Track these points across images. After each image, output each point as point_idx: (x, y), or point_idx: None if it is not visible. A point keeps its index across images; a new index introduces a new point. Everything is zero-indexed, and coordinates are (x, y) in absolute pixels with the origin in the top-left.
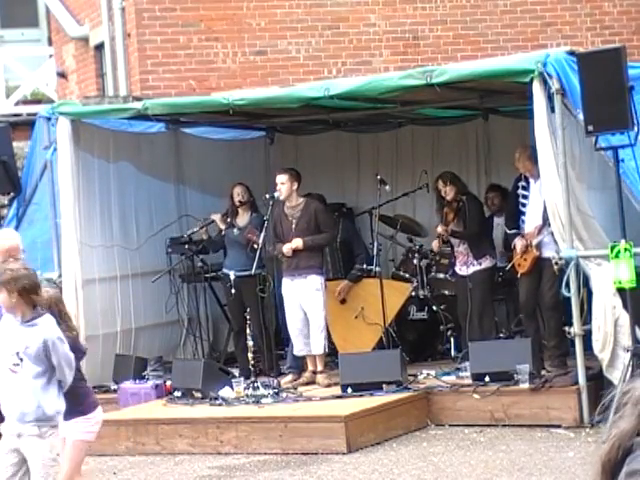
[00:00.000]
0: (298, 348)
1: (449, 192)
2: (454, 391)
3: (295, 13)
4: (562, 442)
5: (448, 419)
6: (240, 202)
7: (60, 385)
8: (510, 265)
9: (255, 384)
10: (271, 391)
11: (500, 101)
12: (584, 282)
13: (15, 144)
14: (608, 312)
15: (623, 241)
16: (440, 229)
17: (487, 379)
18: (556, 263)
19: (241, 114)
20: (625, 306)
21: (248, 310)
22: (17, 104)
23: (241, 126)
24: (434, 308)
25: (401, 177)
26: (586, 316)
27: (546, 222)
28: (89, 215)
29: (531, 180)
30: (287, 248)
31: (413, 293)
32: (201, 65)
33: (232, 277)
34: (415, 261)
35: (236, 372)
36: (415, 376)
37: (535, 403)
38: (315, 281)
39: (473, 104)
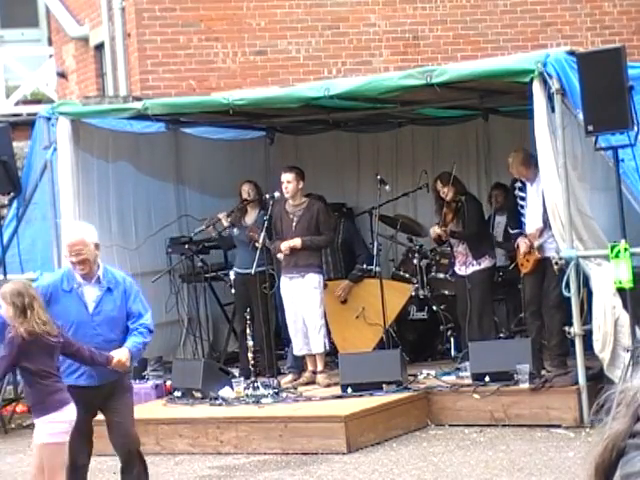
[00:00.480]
0: (298, 347)
1: (448, 193)
2: (454, 391)
3: (295, 13)
4: (562, 442)
5: (448, 419)
6: (246, 200)
7: None
8: (513, 265)
9: (255, 384)
10: (271, 391)
11: (500, 101)
12: (584, 282)
13: (15, 144)
14: (608, 312)
15: (623, 241)
16: (438, 230)
17: (487, 379)
18: (556, 263)
19: (241, 114)
20: (625, 306)
21: (248, 310)
22: (17, 104)
23: (241, 126)
24: (434, 308)
25: (401, 177)
26: (586, 316)
27: (547, 224)
28: (88, 215)
29: (527, 183)
30: (285, 246)
31: (413, 293)
32: (201, 65)
33: (232, 277)
34: (415, 261)
35: (236, 372)
36: (415, 376)
37: (535, 403)
38: (313, 279)
39: (473, 104)
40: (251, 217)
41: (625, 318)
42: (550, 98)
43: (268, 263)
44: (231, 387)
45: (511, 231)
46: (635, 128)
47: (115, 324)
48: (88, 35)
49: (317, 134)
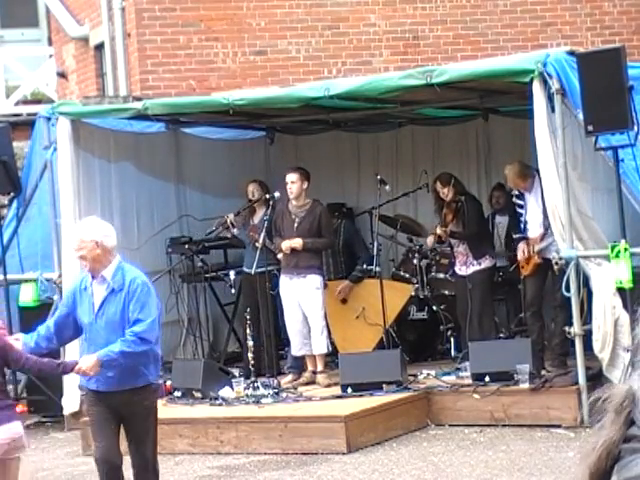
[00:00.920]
0: (297, 348)
1: (447, 193)
2: (454, 391)
3: (295, 13)
4: (562, 442)
5: (448, 419)
6: (250, 200)
7: None
8: (514, 267)
9: (255, 384)
10: (271, 391)
11: (500, 101)
12: (584, 282)
13: (15, 144)
14: (608, 312)
15: (623, 241)
16: (439, 231)
17: (487, 379)
18: (556, 263)
19: (241, 114)
20: (625, 306)
21: (248, 310)
22: (17, 104)
23: (241, 126)
24: (434, 308)
25: (401, 177)
26: (586, 316)
27: (548, 230)
28: (90, 215)
29: (525, 193)
30: (286, 245)
31: (413, 293)
32: (201, 65)
33: (232, 277)
34: (415, 261)
35: (236, 372)
36: (415, 376)
37: (535, 403)
38: (315, 280)
39: (473, 104)
40: (258, 216)
41: (625, 318)
42: (550, 98)
43: (270, 263)
44: (231, 387)
45: (514, 236)
46: (635, 128)
47: (116, 328)
48: (88, 35)
49: (317, 134)
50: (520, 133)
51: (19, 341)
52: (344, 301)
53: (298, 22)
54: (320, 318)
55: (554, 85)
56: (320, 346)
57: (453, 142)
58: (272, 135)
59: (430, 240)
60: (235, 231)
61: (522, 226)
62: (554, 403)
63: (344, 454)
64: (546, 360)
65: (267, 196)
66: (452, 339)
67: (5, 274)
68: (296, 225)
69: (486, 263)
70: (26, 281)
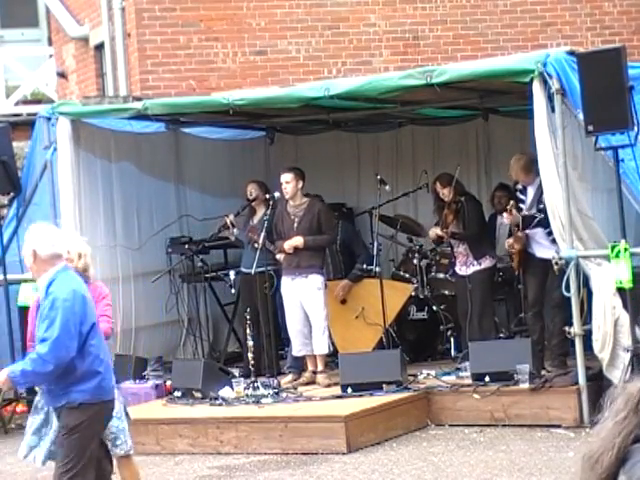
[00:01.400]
0: (297, 348)
1: (447, 194)
2: (454, 391)
3: (295, 13)
4: (562, 442)
5: (448, 419)
6: (248, 200)
7: None
8: (510, 265)
9: (255, 384)
10: (271, 391)
11: (500, 101)
12: (584, 282)
13: (15, 144)
14: (608, 312)
15: (623, 241)
16: (438, 231)
17: (487, 379)
18: (556, 263)
19: (241, 114)
20: (625, 306)
21: (248, 310)
22: (17, 104)
23: (241, 126)
24: (434, 308)
25: (401, 177)
26: (586, 316)
27: (541, 223)
28: (92, 215)
29: (528, 187)
30: (288, 245)
31: (413, 293)
32: (201, 65)
33: (232, 277)
34: (415, 261)
35: (236, 372)
36: (415, 376)
37: (535, 403)
38: (316, 280)
39: (473, 104)
40: (258, 217)
41: (625, 318)
42: (550, 98)
43: (269, 264)
44: (231, 387)
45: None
46: (635, 128)
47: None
48: (88, 35)
49: (317, 134)
50: (520, 133)
51: None
52: (343, 301)
53: (298, 22)
54: (322, 318)
55: (554, 85)
56: (321, 346)
57: (453, 142)
58: (272, 135)
59: (432, 232)
60: (235, 231)
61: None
62: (554, 403)
63: (344, 454)
64: (546, 360)
65: (267, 196)
66: (452, 339)
67: (5, 274)
68: (296, 225)
69: (486, 263)
70: (26, 281)
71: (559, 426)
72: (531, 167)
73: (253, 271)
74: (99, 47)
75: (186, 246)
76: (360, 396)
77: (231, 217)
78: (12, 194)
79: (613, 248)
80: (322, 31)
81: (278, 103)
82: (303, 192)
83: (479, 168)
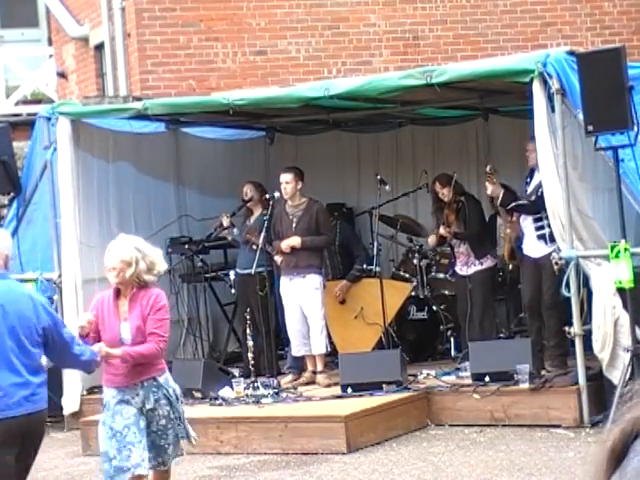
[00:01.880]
0: (296, 348)
1: (447, 194)
2: (454, 391)
3: (295, 13)
4: (562, 442)
5: (448, 419)
6: (243, 200)
7: None
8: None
9: (255, 384)
10: (271, 391)
11: (500, 101)
12: (584, 282)
13: (15, 144)
14: (608, 312)
15: (623, 241)
16: (443, 232)
17: (487, 379)
18: (556, 263)
19: (241, 114)
20: (625, 306)
21: (248, 310)
22: (17, 104)
23: (241, 126)
24: (434, 308)
25: (401, 177)
26: (586, 316)
27: (538, 217)
28: (88, 215)
29: (535, 171)
30: (285, 244)
31: (413, 293)
32: (201, 65)
33: (232, 277)
34: (415, 261)
35: (236, 372)
36: (415, 376)
37: (535, 403)
38: (314, 280)
39: (473, 104)
40: (254, 217)
41: (625, 318)
42: (550, 98)
43: (264, 264)
44: (231, 387)
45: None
46: (635, 128)
47: None
48: (88, 35)
49: (317, 134)
50: (520, 133)
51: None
52: (343, 301)
53: (298, 22)
54: (319, 318)
55: (554, 85)
56: (319, 346)
57: (453, 142)
58: (272, 135)
59: (432, 239)
60: (235, 231)
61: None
62: (554, 403)
63: (344, 454)
64: (546, 360)
65: (267, 196)
66: (452, 339)
67: None
68: (294, 225)
69: (488, 263)
70: (26, 281)
71: (559, 426)
72: None
73: (253, 271)
74: (99, 47)
75: (186, 246)
76: (360, 396)
77: (227, 217)
78: (12, 194)
79: (613, 248)
80: (322, 31)
81: (278, 103)
82: (302, 192)
83: (479, 168)
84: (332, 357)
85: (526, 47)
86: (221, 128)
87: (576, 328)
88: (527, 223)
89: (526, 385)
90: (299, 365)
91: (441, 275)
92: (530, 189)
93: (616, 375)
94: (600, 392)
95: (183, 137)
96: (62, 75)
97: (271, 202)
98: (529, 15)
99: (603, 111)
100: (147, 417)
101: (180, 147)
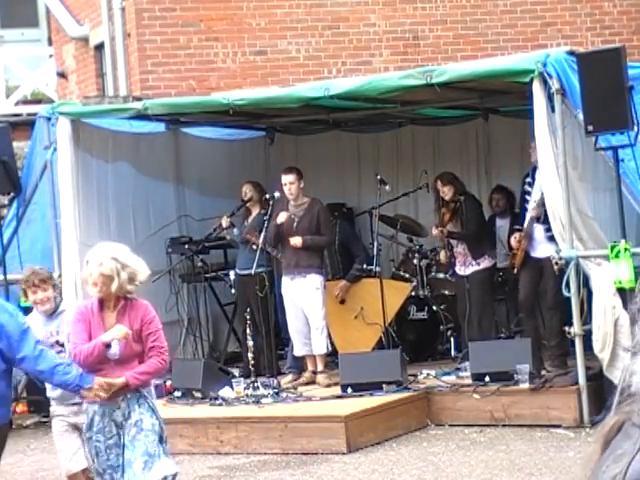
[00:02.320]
0: (297, 348)
1: (447, 192)
2: (454, 391)
3: (295, 13)
4: (562, 442)
5: (448, 419)
6: (242, 200)
7: None
8: (509, 263)
9: (255, 384)
10: (271, 391)
11: (500, 101)
12: (584, 282)
13: (15, 144)
14: (608, 312)
15: (623, 241)
16: (435, 231)
17: (487, 379)
18: (556, 263)
19: (241, 114)
20: (625, 306)
21: (248, 310)
22: (17, 104)
23: (241, 126)
24: (434, 308)
25: (402, 177)
26: (586, 316)
27: (539, 217)
28: (87, 215)
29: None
30: (293, 242)
31: (413, 293)
32: (201, 65)
33: (232, 277)
34: (415, 261)
35: (236, 372)
36: (415, 376)
37: (535, 403)
38: (315, 280)
39: (473, 104)
40: (252, 217)
41: (625, 318)
42: (550, 98)
43: (263, 265)
44: (231, 387)
45: (515, 227)
46: (635, 128)
47: None
48: (88, 35)
49: (317, 134)
50: (520, 133)
51: None
52: (342, 301)
53: (298, 22)
54: (320, 318)
55: (554, 85)
56: (320, 346)
57: (453, 142)
58: (272, 135)
59: (443, 255)
60: (235, 231)
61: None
62: (554, 403)
63: (344, 454)
64: (546, 360)
65: (267, 196)
66: (452, 339)
67: (5, 274)
68: (295, 224)
69: (485, 263)
70: None
71: (559, 426)
72: None
73: (253, 272)
74: (99, 47)
75: (186, 246)
76: (360, 396)
77: (227, 218)
78: (12, 194)
79: (613, 248)
80: (322, 31)
81: (278, 103)
82: (304, 192)
83: (479, 168)
84: (332, 357)
85: (526, 47)
86: (221, 128)
87: (576, 328)
88: (532, 223)
89: (526, 385)
90: (299, 365)
91: (441, 275)
92: (535, 189)
93: (616, 375)
94: (600, 392)
95: (183, 137)
96: (62, 75)
97: (271, 202)
98: (529, 15)
99: (603, 111)
100: (126, 429)
101: (180, 147)
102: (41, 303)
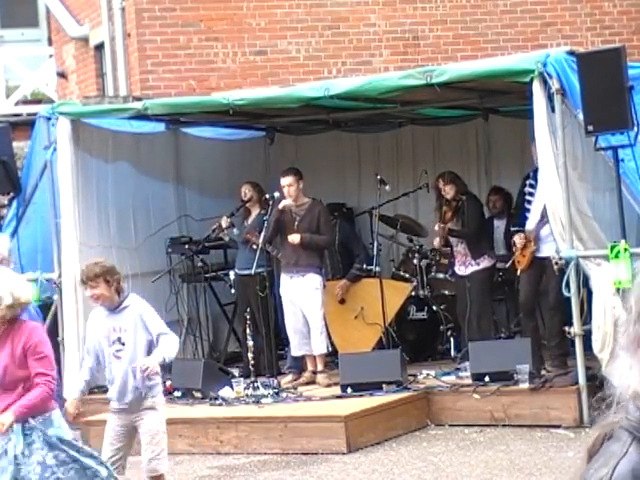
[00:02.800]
0: (297, 348)
1: (449, 191)
2: (454, 391)
3: (295, 13)
4: (562, 442)
5: (448, 419)
6: (242, 200)
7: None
8: (510, 263)
9: (255, 384)
10: (271, 391)
11: (500, 101)
12: (584, 282)
13: (15, 144)
14: (608, 312)
15: (623, 241)
16: (437, 227)
17: (487, 379)
18: (556, 263)
19: (241, 114)
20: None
21: (248, 310)
22: (17, 104)
23: (241, 126)
24: (434, 308)
25: (401, 177)
26: (586, 316)
27: (544, 217)
28: (87, 215)
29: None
30: (291, 239)
31: (413, 293)
32: (201, 65)
33: (232, 277)
34: (415, 261)
35: (236, 372)
36: (415, 376)
37: (535, 403)
38: (314, 280)
39: (473, 104)
40: (252, 218)
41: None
42: (550, 98)
43: (263, 265)
44: (231, 387)
45: (512, 229)
46: (635, 128)
47: None
48: (88, 35)
49: (317, 134)
50: (520, 133)
51: None
52: (342, 301)
53: (298, 22)
54: (319, 318)
55: (554, 85)
56: (320, 346)
57: (453, 142)
58: (272, 135)
59: (437, 242)
60: (235, 231)
61: (526, 216)
62: (554, 403)
63: (344, 454)
64: (546, 360)
65: (267, 196)
66: (452, 339)
67: None
68: (296, 224)
69: (485, 263)
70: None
71: (559, 426)
72: None
73: (253, 272)
74: (99, 47)
75: (186, 246)
76: (360, 396)
77: (226, 219)
78: (12, 194)
79: (613, 248)
80: (322, 31)
81: (278, 103)
82: (304, 192)
83: (479, 168)
84: (332, 357)
85: (526, 47)
86: (221, 128)
87: (576, 328)
88: (541, 224)
89: (526, 385)
90: (299, 365)
91: (441, 275)
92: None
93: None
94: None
95: (183, 137)
96: (62, 75)
97: (271, 202)
98: (529, 15)
99: (603, 111)
100: (20, 464)
101: (180, 147)
102: (93, 300)
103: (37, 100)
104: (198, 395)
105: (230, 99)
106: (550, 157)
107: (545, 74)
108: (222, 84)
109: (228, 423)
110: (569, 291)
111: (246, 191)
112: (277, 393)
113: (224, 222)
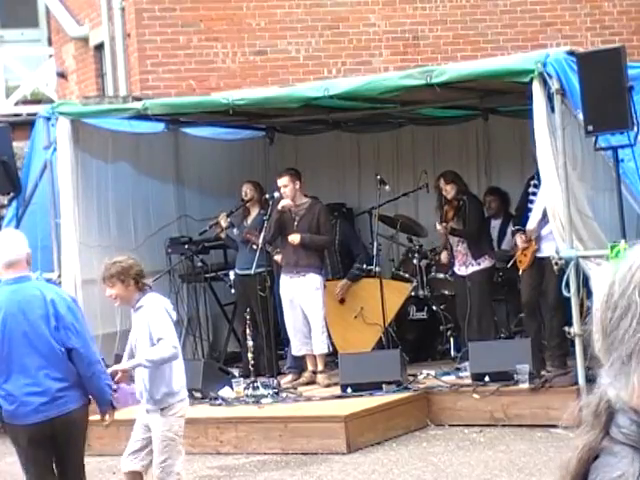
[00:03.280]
0: (296, 348)
1: (450, 191)
2: (454, 391)
3: (295, 13)
4: (562, 442)
5: (448, 419)
6: (242, 200)
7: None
8: (512, 263)
9: (255, 384)
10: (271, 391)
11: (500, 101)
12: (584, 282)
13: (15, 144)
14: None
15: (623, 241)
16: (439, 227)
17: (487, 379)
18: (556, 263)
19: (241, 114)
20: None
21: (248, 310)
22: (17, 104)
23: (241, 126)
24: (434, 308)
25: (402, 177)
26: (586, 316)
27: (545, 217)
28: (87, 215)
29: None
30: (291, 239)
31: (413, 293)
32: (201, 65)
33: (232, 277)
34: (415, 261)
35: (236, 372)
36: (415, 376)
37: (535, 403)
38: (314, 280)
39: (473, 104)
40: (252, 217)
41: None
42: (550, 98)
43: (263, 264)
44: (231, 387)
45: (512, 228)
46: (635, 128)
47: None
48: (88, 35)
49: (317, 134)
50: (520, 133)
51: None
52: (342, 301)
53: (298, 22)
54: (320, 318)
55: (554, 85)
56: (321, 346)
57: (453, 142)
58: (272, 135)
59: (444, 256)
60: (235, 231)
61: (528, 216)
62: (554, 403)
63: (344, 454)
64: (547, 360)
65: (267, 196)
66: (452, 339)
67: None
68: (296, 223)
69: (485, 263)
70: None
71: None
72: None
73: (253, 272)
74: (99, 47)
75: (186, 246)
76: (360, 396)
77: (225, 217)
78: (12, 194)
79: (613, 248)
80: (322, 31)
81: (278, 103)
82: (303, 192)
83: (479, 168)
84: (332, 357)
85: (526, 47)
86: (221, 128)
87: (576, 328)
88: (543, 224)
89: (526, 385)
90: (299, 365)
91: (441, 275)
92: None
93: None
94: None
95: (183, 137)
96: (62, 75)
97: (271, 202)
98: (529, 15)
99: (603, 111)
100: None
101: (180, 147)
102: (112, 300)
103: (37, 100)
104: (198, 395)
105: (230, 99)
106: (550, 157)
107: (545, 74)
108: (222, 84)
109: (228, 423)
110: (569, 291)
111: (247, 190)
112: (277, 393)
113: (223, 221)
